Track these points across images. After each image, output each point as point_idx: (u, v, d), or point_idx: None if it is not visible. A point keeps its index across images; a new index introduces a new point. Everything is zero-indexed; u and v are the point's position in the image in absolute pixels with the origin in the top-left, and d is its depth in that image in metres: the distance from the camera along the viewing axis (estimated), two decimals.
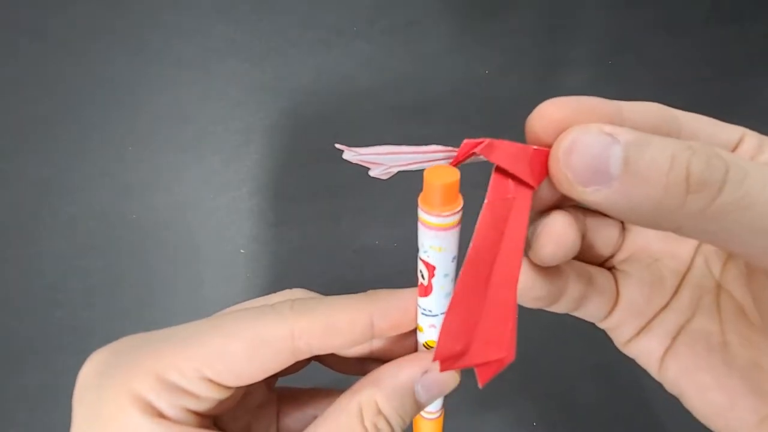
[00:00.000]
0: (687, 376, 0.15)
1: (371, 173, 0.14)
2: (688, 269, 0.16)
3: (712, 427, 0.15)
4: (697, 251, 0.16)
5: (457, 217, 0.13)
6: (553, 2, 0.47)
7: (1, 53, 0.42)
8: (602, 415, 0.37)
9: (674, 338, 0.16)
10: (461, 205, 0.13)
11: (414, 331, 0.17)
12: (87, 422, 0.14)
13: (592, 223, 0.16)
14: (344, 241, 0.39)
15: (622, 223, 0.16)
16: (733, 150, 0.13)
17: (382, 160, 0.13)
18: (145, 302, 0.38)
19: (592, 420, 0.37)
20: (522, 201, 0.13)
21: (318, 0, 0.45)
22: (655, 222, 0.11)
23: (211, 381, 0.14)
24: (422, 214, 0.13)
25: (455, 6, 0.46)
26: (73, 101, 0.42)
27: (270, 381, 0.19)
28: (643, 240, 0.16)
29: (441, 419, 0.19)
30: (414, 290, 0.16)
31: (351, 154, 0.13)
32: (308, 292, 0.19)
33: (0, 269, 0.38)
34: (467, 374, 0.38)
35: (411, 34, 0.46)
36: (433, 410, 0.19)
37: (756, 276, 0.14)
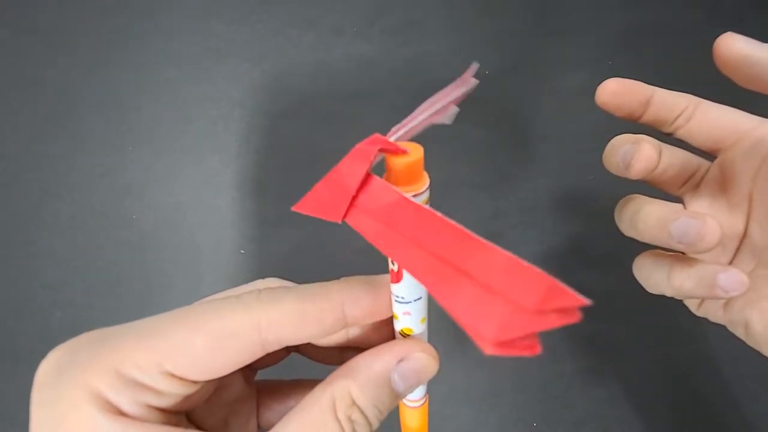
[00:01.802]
0: (751, 305, 0.20)
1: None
2: (747, 228, 0.21)
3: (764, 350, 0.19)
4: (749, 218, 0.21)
5: (423, 198, 0.13)
6: (554, 2, 0.47)
7: (0, 54, 0.42)
8: (602, 416, 0.37)
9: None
10: (427, 185, 0.13)
11: (392, 319, 0.16)
12: (44, 422, 0.13)
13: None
14: (344, 241, 0.39)
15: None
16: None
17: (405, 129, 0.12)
18: (145, 302, 0.38)
19: (593, 420, 0.37)
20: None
21: (318, 0, 0.45)
22: None
23: (173, 376, 0.14)
24: None
25: (455, 6, 0.46)
26: (72, 101, 0.42)
27: (247, 374, 0.19)
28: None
29: (425, 407, 0.19)
30: (388, 276, 0.15)
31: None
32: (281, 280, 0.18)
33: (0, 269, 0.38)
34: (452, 368, 0.38)
35: (411, 34, 0.46)
36: (416, 398, 0.18)
37: None
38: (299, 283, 0.19)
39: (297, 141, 0.42)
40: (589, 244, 0.39)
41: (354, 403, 0.14)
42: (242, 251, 0.39)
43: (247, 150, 0.42)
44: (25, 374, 0.38)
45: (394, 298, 0.15)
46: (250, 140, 0.42)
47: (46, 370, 0.14)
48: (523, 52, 0.46)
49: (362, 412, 0.14)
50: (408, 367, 0.15)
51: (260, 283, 0.18)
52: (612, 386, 0.37)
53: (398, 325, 0.16)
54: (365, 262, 0.40)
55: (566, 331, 0.38)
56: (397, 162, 0.12)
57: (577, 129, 0.43)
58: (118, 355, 0.13)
